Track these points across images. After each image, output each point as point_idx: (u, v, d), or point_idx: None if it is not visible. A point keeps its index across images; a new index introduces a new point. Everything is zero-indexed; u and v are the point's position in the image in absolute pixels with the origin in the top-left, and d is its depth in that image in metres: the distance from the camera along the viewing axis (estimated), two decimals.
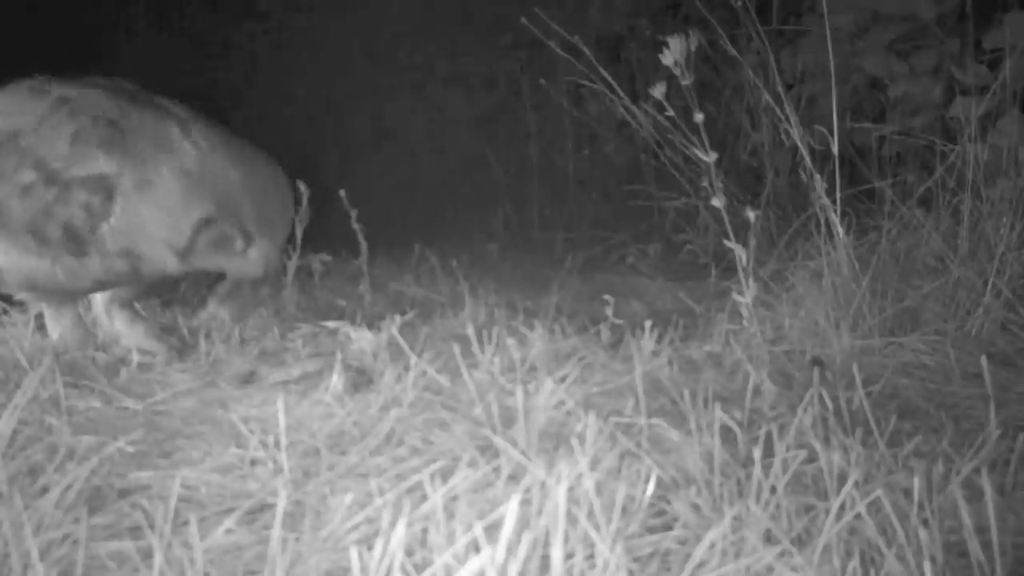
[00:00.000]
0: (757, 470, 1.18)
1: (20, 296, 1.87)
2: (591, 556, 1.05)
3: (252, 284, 1.85)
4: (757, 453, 1.19)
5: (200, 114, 1.82)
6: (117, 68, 1.89)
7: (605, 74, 2.53)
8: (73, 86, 1.79)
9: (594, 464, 1.24)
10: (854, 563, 1.04)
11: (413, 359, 1.68)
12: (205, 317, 1.89)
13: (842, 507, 1.11)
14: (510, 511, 0.94)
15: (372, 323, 1.93)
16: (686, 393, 1.46)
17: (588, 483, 1.10)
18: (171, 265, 1.77)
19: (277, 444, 1.37)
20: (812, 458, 1.26)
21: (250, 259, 1.79)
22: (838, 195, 2.02)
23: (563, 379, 1.62)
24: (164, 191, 1.72)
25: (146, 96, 1.81)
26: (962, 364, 1.79)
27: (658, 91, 1.89)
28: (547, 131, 4.21)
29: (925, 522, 1.11)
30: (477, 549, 0.99)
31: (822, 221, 2.05)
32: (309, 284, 2.43)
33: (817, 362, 1.72)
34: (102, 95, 1.77)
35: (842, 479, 1.17)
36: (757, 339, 1.88)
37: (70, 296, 1.87)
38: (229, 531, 1.18)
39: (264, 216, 1.79)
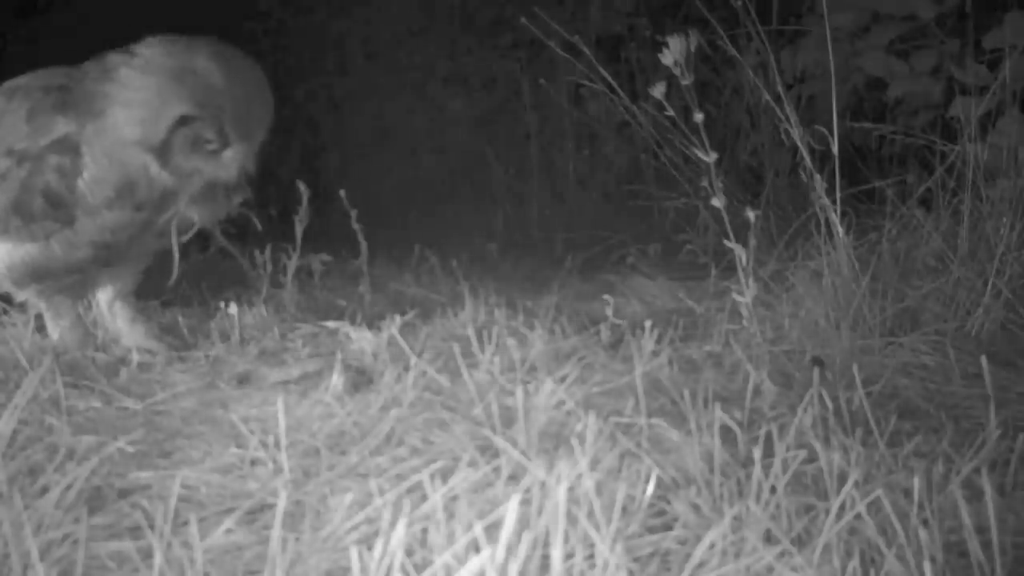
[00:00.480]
0: (757, 470, 1.18)
1: (26, 294, 1.87)
2: (591, 556, 1.05)
3: (224, 187, 1.82)
4: (757, 453, 1.19)
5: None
6: None
7: (605, 74, 2.53)
8: (27, 75, 1.81)
9: (594, 464, 1.23)
10: (854, 563, 1.04)
11: (413, 359, 1.68)
12: (173, 213, 1.84)
13: (842, 507, 1.11)
14: (510, 511, 0.94)
15: (372, 323, 1.93)
16: (686, 393, 1.46)
17: (588, 483, 1.10)
18: (153, 170, 1.73)
19: (277, 444, 1.37)
20: (812, 458, 1.26)
21: (224, 161, 1.75)
22: (838, 195, 2.02)
23: (563, 379, 1.62)
24: (132, 90, 1.69)
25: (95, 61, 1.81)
26: (962, 364, 1.79)
27: (658, 91, 1.89)
28: (547, 131, 4.21)
29: (925, 522, 1.11)
30: (477, 549, 0.99)
31: (822, 221, 2.05)
32: (309, 284, 2.43)
33: (817, 362, 1.72)
34: (51, 71, 1.79)
35: (842, 479, 1.17)
36: (757, 339, 1.88)
37: (75, 277, 1.85)
38: (229, 531, 1.18)
39: (243, 119, 1.75)
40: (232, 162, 1.76)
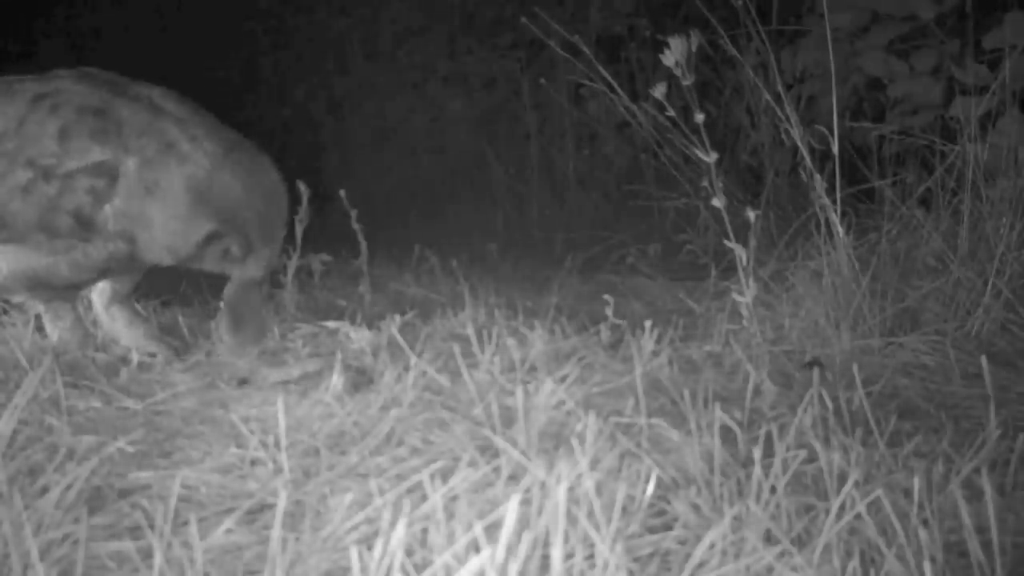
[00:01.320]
0: (757, 470, 1.18)
1: (19, 298, 1.87)
2: (591, 556, 1.05)
3: (252, 285, 1.84)
4: (757, 453, 1.19)
5: (189, 107, 1.81)
6: (116, 68, 1.88)
7: (605, 74, 2.53)
8: (43, 81, 1.78)
9: (594, 464, 1.23)
10: (854, 563, 1.04)
11: (413, 359, 1.68)
12: (227, 351, 1.88)
13: (842, 507, 1.11)
14: (510, 511, 0.94)
15: (372, 323, 1.93)
16: (686, 393, 1.46)
17: (588, 483, 1.10)
18: (167, 262, 1.79)
19: (277, 444, 1.37)
20: (812, 458, 1.26)
21: (249, 265, 1.80)
22: (838, 195, 2.02)
23: (563, 379, 1.62)
24: (173, 199, 1.73)
25: (124, 85, 1.80)
26: (962, 364, 1.79)
27: (659, 91, 1.89)
28: (547, 131, 4.22)
29: (925, 522, 1.11)
30: (477, 549, 0.99)
31: (822, 221, 2.05)
32: (309, 284, 2.43)
33: (815, 363, 1.72)
34: (79, 86, 1.77)
35: (842, 479, 1.17)
36: (757, 339, 1.88)
37: (70, 291, 1.87)
38: (229, 531, 1.18)
39: (265, 225, 1.80)
40: (258, 265, 1.81)
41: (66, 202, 1.71)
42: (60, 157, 1.71)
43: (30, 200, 1.72)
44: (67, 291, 1.86)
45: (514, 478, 1.27)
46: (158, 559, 1.03)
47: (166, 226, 1.74)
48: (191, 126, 1.76)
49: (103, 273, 1.84)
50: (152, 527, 1.10)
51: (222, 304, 1.83)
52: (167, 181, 1.72)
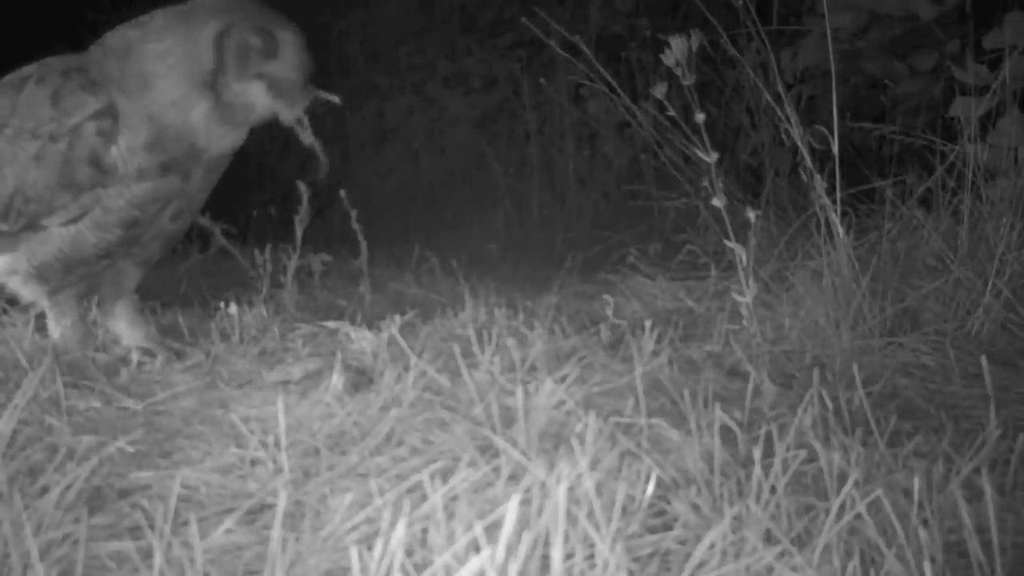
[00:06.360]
0: (757, 470, 1.18)
1: (45, 291, 1.84)
2: (591, 556, 1.05)
3: (295, 87, 1.75)
4: (757, 453, 1.19)
5: None
6: None
7: (605, 74, 2.53)
8: (30, 66, 1.80)
9: (594, 464, 1.23)
10: (854, 563, 1.04)
11: (413, 359, 1.68)
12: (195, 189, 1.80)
13: (842, 507, 1.11)
14: (510, 511, 0.94)
15: (372, 323, 1.93)
16: (686, 393, 1.46)
17: (588, 483, 1.10)
18: (202, 116, 1.71)
19: (277, 444, 1.37)
20: (812, 458, 1.26)
21: (282, 59, 1.72)
22: (838, 195, 2.02)
23: (563, 379, 1.62)
24: (159, 58, 1.70)
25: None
26: (962, 364, 1.79)
27: (659, 91, 1.89)
28: (547, 131, 4.22)
29: (925, 522, 1.11)
30: (477, 549, 0.99)
31: (822, 221, 2.05)
32: (309, 284, 2.43)
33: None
34: (57, 59, 1.79)
35: (842, 479, 1.17)
36: (757, 339, 1.88)
37: (104, 262, 1.83)
38: (229, 531, 1.18)
39: (274, 15, 1.73)
40: (289, 56, 1.71)
41: (79, 151, 1.71)
42: (59, 119, 1.71)
43: (44, 164, 1.72)
44: (100, 262, 1.82)
45: (514, 478, 1.27)
46: (158, 559, 1.03)
47: (175, 75, 1.69)
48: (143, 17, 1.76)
49: (129, 227, 1.79)
50: (152, 527, 1.10)
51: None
52: (147, 49, 1.69)
